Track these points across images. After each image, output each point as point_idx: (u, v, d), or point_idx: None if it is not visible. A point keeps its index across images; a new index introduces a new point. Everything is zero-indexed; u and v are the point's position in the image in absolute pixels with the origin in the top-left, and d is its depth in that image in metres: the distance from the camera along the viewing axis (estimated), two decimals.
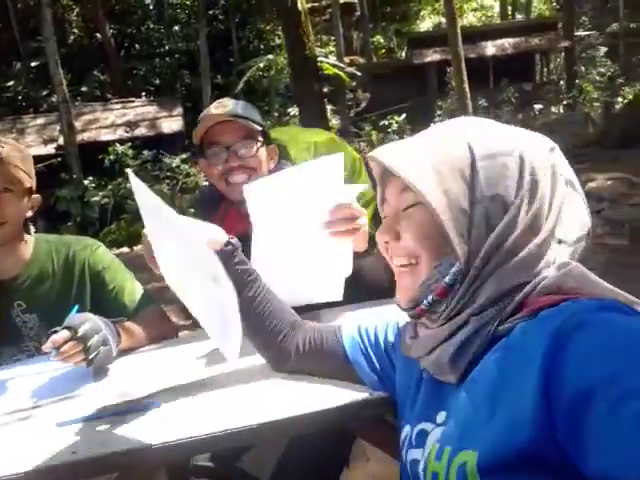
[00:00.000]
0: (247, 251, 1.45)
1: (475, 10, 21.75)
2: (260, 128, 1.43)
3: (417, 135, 0.76)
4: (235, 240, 0.98)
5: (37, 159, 13.12)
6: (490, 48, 18.22)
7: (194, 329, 1.50)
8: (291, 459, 1.30)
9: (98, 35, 18.66)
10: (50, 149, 14.00)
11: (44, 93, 16.99)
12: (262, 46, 19.06)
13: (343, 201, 1.12)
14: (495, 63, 17.74)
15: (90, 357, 1.06)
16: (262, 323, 0.99)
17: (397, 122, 14.49)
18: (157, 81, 18.36)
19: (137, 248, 9.63)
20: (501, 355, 0.63)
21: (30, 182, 1.36)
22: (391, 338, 0.90)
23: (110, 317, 1.30)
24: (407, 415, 0.79)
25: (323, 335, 0.98)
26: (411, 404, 0.79)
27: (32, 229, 1.43)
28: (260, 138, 1.43)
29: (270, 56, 16.06)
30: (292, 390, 0.96)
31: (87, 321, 1.10)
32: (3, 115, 15.80)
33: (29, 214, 1.39)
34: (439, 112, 15.81)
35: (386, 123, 14.52)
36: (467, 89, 12.72)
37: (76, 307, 1.22)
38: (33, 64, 17.60)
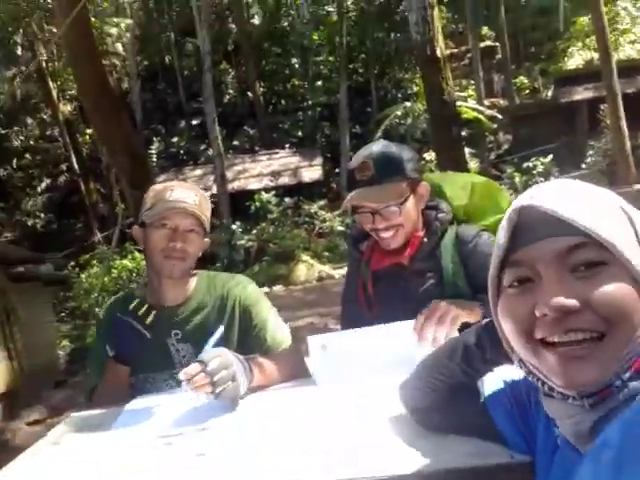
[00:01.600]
0: (394, 282, 1.45)
1: (633, 42, 20.14)
2: (406, 182, 1.40)
3: (564, 189, 0.65)
4: None
5: None
6: None
7: None
8: None
9: (249, 94, 20.50)
10: None
11: (202, 147, 18.96)
12: (400, 95, 19.46)
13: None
14: None
15: (217, 391, 1.11)
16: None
17: (543, 164, 13.70)
18: (299, 133, 19.53)
19: (275, 288, 10.11)
20: (631, 426, 0.55)
21: (208, 226, 1.50)
22: (535, 393, 0.80)
23: (252, 351, 1.36)
24: None
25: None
26: (544, 475, 0.69)
27: None
28: (406, 193, 1.40)
29: (407, 103, 16.31)
30: (423, 444, 0.87)
31: (219, 356, 1.16)
32: (167, 167, 17.90)
33: (200, 254, 1.52)
34: (591, 152, 14.67)
35: (530, 165, 13.80)
36: (624, 126, 11.68)
37: (221, 328, 1.29)
38: (194, 122, 19.81)
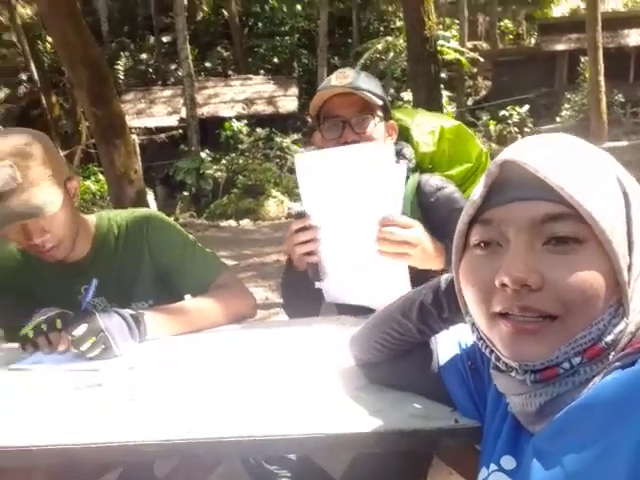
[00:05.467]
0: None
1: None
2: (381, 102, 1.35)
3: (555, 148, 0.58)
4: None
5: (161, 130, 13.67)
6: (634, 37, 16.48)
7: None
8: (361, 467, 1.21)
9: (224, 12, 19.38)
10: (174, 121, 14.88)
11: (172, 67, 18.03)
12: (382, 28, 18.74)
13: (391, 209, 1.18)
14: (638, 54, 16.03)
15: (88, 355, 1.06)
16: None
17: (519, 114, 13.60)
18: (275, 59, 18.74)
19: (243, 222, 10.00)
20: (591, 410, 0.53)
21: (60, 176, 1.19)
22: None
23: (178, 292, 1.32)
24: (486, 453, 0.68)
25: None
26: (493, 440, 0.68)
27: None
28: (380, 113, 1.35)
29: (389, 38, 15.75)
30: (366, 401, 0.85)
31: (88, 323, 1.07)
32: (135, 86, 17.04)
33: (75, 202, 1.26)
34: (567, 106, 14.64)
35: (506, 114, 13.70)
36: (602, 82, 11.60)
37: (94, 282, 1.19)
38: (165, 39, 18.70)
